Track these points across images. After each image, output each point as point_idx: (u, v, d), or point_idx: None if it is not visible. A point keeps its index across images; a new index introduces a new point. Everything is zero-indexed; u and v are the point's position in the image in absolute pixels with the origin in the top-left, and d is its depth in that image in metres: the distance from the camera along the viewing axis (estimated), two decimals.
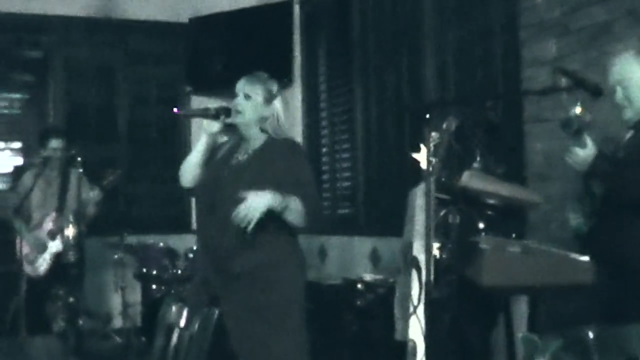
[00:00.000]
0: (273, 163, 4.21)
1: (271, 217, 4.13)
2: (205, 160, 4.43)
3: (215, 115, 4.33)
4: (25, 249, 6.90)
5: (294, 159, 4.29)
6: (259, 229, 4.11)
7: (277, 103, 4.40)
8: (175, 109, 4.43)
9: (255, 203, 4.02)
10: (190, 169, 4.43)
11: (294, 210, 4.14)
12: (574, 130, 3.86)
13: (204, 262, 4.41)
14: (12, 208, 7.13)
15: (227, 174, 4.30)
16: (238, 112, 4.32)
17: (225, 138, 4.57)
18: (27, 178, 7.23)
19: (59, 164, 7.23)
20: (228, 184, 4.23)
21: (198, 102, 9.22)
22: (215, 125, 4.32)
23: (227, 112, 4.31)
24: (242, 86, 4.38)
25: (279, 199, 4.07)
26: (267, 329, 4.17)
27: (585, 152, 3.91)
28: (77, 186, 7.09)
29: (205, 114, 4.39)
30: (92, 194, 7.14)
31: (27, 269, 6.98)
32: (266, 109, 4.36)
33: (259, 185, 4.10)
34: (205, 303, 4.09)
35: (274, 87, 4.42)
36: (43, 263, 7.07)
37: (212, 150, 4.46)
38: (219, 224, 4.20)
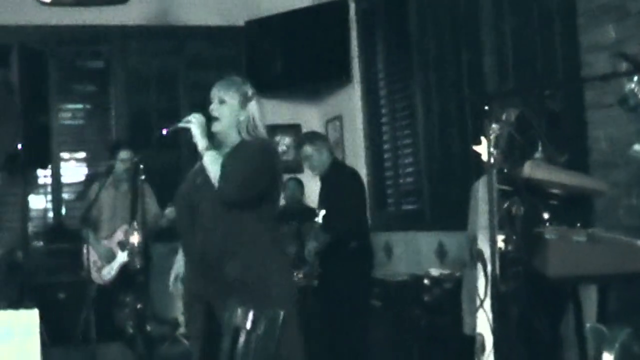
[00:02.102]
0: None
1: (251, 221, 4.22)
2: None
3: None
4: (93, 257, 7.00)
5: (260, 156, 4.29)
6: (241, 234, 4.20)
7: (253, 106, 4.41)
8: (163, 131, 4.46)
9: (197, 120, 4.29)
10: None
11: (213, 162, 4.21)
12: (632, 107, 3.79)
13: (194, 273, 4.41)
14: (80, 217, 7.24)
15: (200, 181, 4.33)
16: (215, 118, 4.34)
17: None
18: (96, 188, 7.33)
19: (128, 175, 7.33)
20: (203, 191, 4.29)
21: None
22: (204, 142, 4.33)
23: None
24: (216, 92, 4.42)
25: (212, 152, 4.26)
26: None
27: None
28: (142, 195, 7.18)
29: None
30: (161, 213, 7.27)
31: (94, 276, 7.07)
32: (242, 112, 4.37)
33: None
34: (201, 315, 4.16)
35: (249, 90, 4.44)
36: (110, 271, 7.17)
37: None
38: (200, 232, 4.26)
